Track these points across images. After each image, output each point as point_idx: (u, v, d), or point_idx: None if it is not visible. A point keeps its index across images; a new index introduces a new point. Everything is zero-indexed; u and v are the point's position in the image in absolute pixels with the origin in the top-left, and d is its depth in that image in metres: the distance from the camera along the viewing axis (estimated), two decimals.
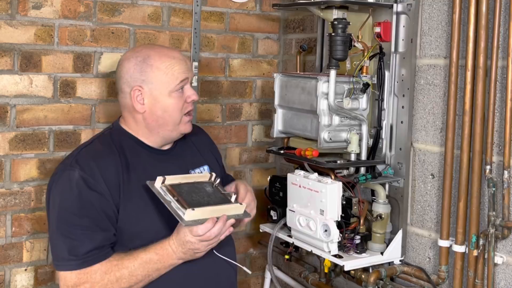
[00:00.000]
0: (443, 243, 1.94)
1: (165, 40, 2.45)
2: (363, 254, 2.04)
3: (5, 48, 2.14)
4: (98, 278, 1.64)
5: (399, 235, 2.08)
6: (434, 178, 2.04)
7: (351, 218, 2.05)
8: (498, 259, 1.82)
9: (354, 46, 2.02)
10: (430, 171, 2.05)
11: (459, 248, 1.90)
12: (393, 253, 2.07)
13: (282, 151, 2.20)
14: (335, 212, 1.97)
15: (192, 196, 1.67)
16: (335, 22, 1.97)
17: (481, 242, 1.83)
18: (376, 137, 2.09)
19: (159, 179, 1.67)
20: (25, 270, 2.24)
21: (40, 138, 2.23)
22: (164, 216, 1.70)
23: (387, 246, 2.07)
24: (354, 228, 2.05)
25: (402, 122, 2.09)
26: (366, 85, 2.04)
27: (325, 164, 2.01)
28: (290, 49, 2.74)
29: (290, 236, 2.17)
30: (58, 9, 2.23)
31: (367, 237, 2.08)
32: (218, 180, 1.78)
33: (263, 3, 2.70)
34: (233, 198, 1.73)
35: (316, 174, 2.04)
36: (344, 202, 2.03)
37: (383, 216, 2.05)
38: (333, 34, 1.97)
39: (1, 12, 2.12)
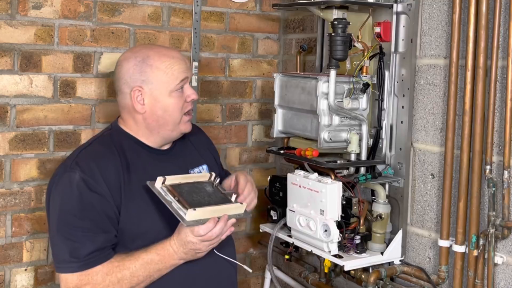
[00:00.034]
0: (443, 243, 1.94)
1: (165, 40, 2.45)
2: (363, 254, 2.04)
3: (5, 48, 2.14)
4: (100, 279, 1.63)
5: (399, 235, 2.08)
6: (434, 178, 2.04)
7: (351, 218, 2.05)
8: (498, 259, 1.82)
9: (354, 46, 2.02)
10: (430, 171, 2.05)
11: (459, 248, 1.90)
12: (393, 253, 2.07)
13: (282, 151, 2.20)
14: (335, 212, 1.97)
15: (193, 196, 1.67)
16: (335, 22, 1.97)
17: (481, 242, 1.83)
18: (376, 137, 2.09)
19: (159, 180, 1.67)
20: (25, 270, 2.24)
21: (40, 138, 2.23)
22: (165, 216, 1.70)
23: (387, 246, 2.07)
24: (354, 228, 2.05)
25: (402, 122, 2.09)
26: (366, 85, 2.04)
27: (325, 164, 2.01)
28: (290, 49, 2.74)
29: (290, 236, 2.17)
30: (58, 9, 2.23)
31: (367, 237, 2.08)
32: (218, 180, 1.78)
33: (263, 3, 2.70)
34: (233, 198, 1.73)
35: (316, 174, 2.04)
36: (344, 202, 2.03)
37: (383, 216, 2.05)
38: (333, 34, 1.97)
39: (1, 12, 2.12)
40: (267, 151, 2.28)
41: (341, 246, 2.02)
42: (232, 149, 2.69)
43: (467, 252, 1.89)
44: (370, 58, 2.09)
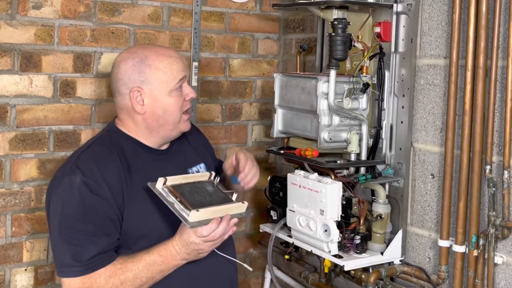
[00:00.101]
0: (443, 243, 1.94)
1: (165, 40, 2.45)
2: (363, 254, 2.04)
3: (5, 48, 2.14)
4: (103, 282, 1.63)
5: (399, 235, 2.08)
6: (434, 178, 2.04)
7: (351, 218, 2.05)
8: (498, 259, 1.82)
9: (354, 46, 2.02)
10: (430, 171, 2.05)
11: (459, 248, 1.90)
12: (393, 253, 2.07)
13: (282, 151, 2.20)
14: (335, 212, 1.97)
15: (194, 196, 1.67)
16: (335, 22, 1.97)
17: (481, 242, 1.83)
18: (376, 137, 2.09)
19: (160, 180, 1.66)
20: (25, 270, 2.24)
21: (40, 138, 2.23)
22: (166, 216, 1.70)
23: (387, 246, 2.07)
24: (354, 228, 2.05)
25: (402, 122, 2.09)
26: (366, 85, 2.04)
27: (325, 164, 2.01)
28: (290, 49, 2.74)
29: (290, 236, 2.17)
30: (58, 9, 2.23)
31: (367, 237, 2.08)
32: (218, 179, 1.78)
33: (263, 3, 2.70)
34: (234, 197, 1.73)
35: (316, 174, 2.04)
36: (344, 202, 2.03)
37: (383, 216, 2.05)
38: (333, 34, 1.97)
39: (1, 12, 2.12)
40: (267, 151, 2.28)
41: (341, 246, 2.02)
42: (232, 149, 2.69)
43: (467, 252, 1.89)
44: (370, 58, 2.09)
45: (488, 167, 1.82)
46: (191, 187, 1.70)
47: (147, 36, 2.41)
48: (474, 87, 1.85)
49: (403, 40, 2.07)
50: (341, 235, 1.98)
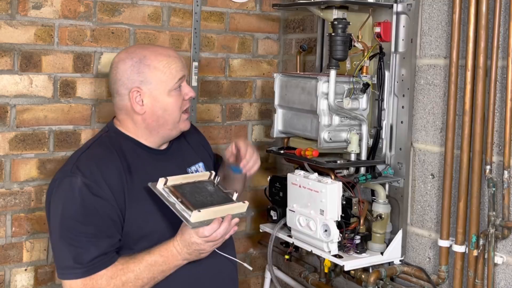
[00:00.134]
0: (443, 243, 1.94)
1: (165, 40, 2.45)
2: (363, 254, 2.04)
3: (5, 48, 2.14)
4: (104, 283, 1.62)
5: (399, 235, 2.08)
6: (434, 178, 2.04)
7: (351, 218, 2.05)
8: (498, 259, 1.82)
9: (354, 46, 2.02)
10: (430, 171, 2.05)
11: (459, 248, 1.90)
12: (393, 253, 2.07)
13: (282, 151, 2.20)
14: (335, 212, 1.97)
15: (195, 196, 1.67)
16: (335, 22, 1.97)
17: (481, 242, 1.83)
18: (376, 137, 2.09)
19: (161, 181, 1.66)
20: (25, 270, 2.24)
21: (40, 138, 2.23)
22: (167, 216, 1.70)
23: (387, 246, 2.07)
24: (354, 228, 2.05)
25: (402, 122, 2.09)
26: (366, 85, 2.04)
27: (325, 164, 2.01)
28: (290, 49, 2.74)
29: (290, 236, 2.17)
30: (58, 9, 2.23)
31: (367, 237, 2.08)
32: (218, 178, 1.78)
33: (263, 3, 2.70)
34: (234, 196, 1.73)
35: (316, 174, 2.04)
36: (344, 202, 2.03)
37: (383, 216, 2.05)
38: (333, 34, 1.97)
39: (1, 12, 2.12)
40: (267, 151, 2.28)
41: (341, 246, 2.02)
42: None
43: (467, 252, 1.89)
44: (370, 58, 2.09)
45: (488, 167, 1.82)
46: (191, 187, 1.70)
47: (147, 36, 2.41)
48: (474, 87, 1.85)
49: (403, 40, 2.07)
50: (341, 235, 1.98)
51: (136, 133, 1.80)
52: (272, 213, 2.29)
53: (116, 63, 1.78)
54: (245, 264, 1.83)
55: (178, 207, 1.62)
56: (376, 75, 2.09)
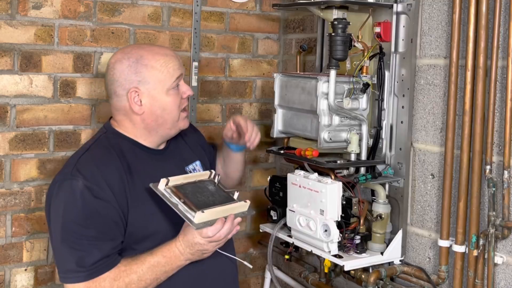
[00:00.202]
0: (443, 243, 1.94)
1: (165, 40, 2.45)
2: (363, 254, 2.04)
3: (5, 48, 2.14)
4: (108, 285, 1.61)
5: (399, 235, 2.08)
6: (434, 178, 2.04)
7: (351, 218, 2.05)
8: (498, 259, 1.82)
9: (354, 46, 2.02)
10: (430, 171, 2.05)
11: (459, 248, 1.90)
12: (393, 253, 2.07)
13: (282, 151, 2.20)
14: (335, 212, 1.97)
15: (197, 196, 1.67)
16: (335, 22, 1.97)
17: (481, 242, 1.83)
18: (376, 137, 2.09)
19: (162, 181, 1.65)
20: (25, 270, 2.24)
21: (40, 138, 2.23)
22: (169, 216, 1.70)
23: (387, 246, 2.07)
24: (354, 228, 2.05)
25: (402, 122, 2.09)
26: (366, 85, 2.04)
27: (325, 164, 2.01)
28: (290, 49, 2.74)
29: (290, 236, 2.17)
30: (58, 9, 2.23)
31: (367, 237, 2.08)
32: (219, 177, 1.78)
33: (263, 3, 2.70)
34: (235, 196, 1.73)
35: (316, 174, 2.04)
36: (344, 202, 2.03)
37: (383, 216, 2.05)
38: (333, 34, 1.97)
39: (1, 12, 2.13)
40: (267, 151, 2.28)
41: (341, 246, 2.02)
42: None
43: (467, 252, 1.89)
44: (370, 58, 2.09)
45: (488, 167, 1.82)
46: (193, 187, 1.70)
47: (147, 36, 2.41)
48: (474, 87, 1.85)
49: (403, 40, 2.07)
50: (341, 235, 1.98)
51: (135, 134, 1.79)
52: (272, 213, 2.29)
53: (113, 63, 1.77)
54: (245, 263, 1.84)
55: (181, 207, 1.62)
56: (376, 75, 2.09)
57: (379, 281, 2.05)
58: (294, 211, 2.10)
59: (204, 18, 2.55)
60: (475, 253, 1.84)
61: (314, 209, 2.00)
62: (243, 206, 1.71)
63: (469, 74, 1.85)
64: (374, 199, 2.10)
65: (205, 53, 2.57)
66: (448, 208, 1.93)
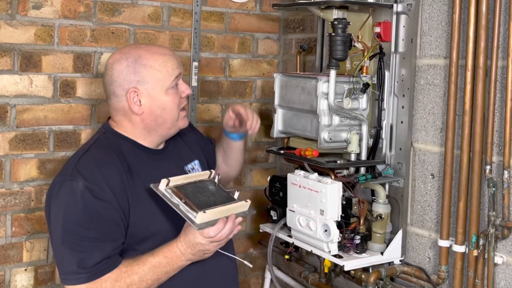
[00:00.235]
0: (443, 243, 1.94)
1: (165, 40, 2.45)
2: (363, 254, 2.04)
3: (5, 48, 2.14)
4: (109, 286, 1.61)
5: (399, 235, 2.08)
6: (434, 178, 2.04)
7: (351, 218, 2.05)
8: (498, 259, 1.82)
9: (354, 46, 2.02)
10: (430, 171, 2.05)
11: (459, 248, 1.90)
12: (393, 253, 2.07)
13: (282, 151, 2.20)
14: (335, 212, 1.97)
15: (198, 196, 1.67)
16: (335, 22, 1.97)
17: (481, 242, 1.83)
18: (376, 137, 2.09)
19: (163, 182, 1.65)
20: (25, 270, 2.24)
21: (40, 138, 2.23)
22: (171, 216, 1.69)
23: (387, 246, 2.07)
24: (354, 228, 2.05)
25: (402, 122, 2.09)
26: (366, 85, 2.04)
27: (325, 164, 2.01)
28: (290, 49, 2.74)
29: (290, 236, 2.17)
30: (58, 9, 2.23)
31: (367, 237, 2.08)
32: (218, 177, 1.78)
33: (263, 3, 2.70)
34: (236, 195, 1.73)
35: (316, 174, 2.04)
36: (344, 202, 2.03)
37: (383, 216, 2.05)
38: (333, 34, 1.97)
39: (1, 12, 2.12)
40: (267, 151, 2.28)
41: (341, 246, 2.02)
42: None
43: (467, 252, 1.89)
44: (370, 58, 2.09)
45: (488, 167, 1.82)
46: (193, 187, 1.70)
47: (147, 36, 2.41)
48: (474, 87, 1.85)
49: (403, 40, 2.07)
50: (341, 235, 1.98)
51: (134, 134, 1.78)
52: (272, 213, 2.29)
53: (111, 64, 1.76)
54: (246, 262, 1.84)
55: (182, 208, 1.61)
56: (376, 75, 2.09)
57: (379, 281, 2.05)
58: (294, 211, 2.10)
59: (204, 18, 2.55)
60: (475, 253, 1.84)
61: (314, 209, 2.00)
62: (244, 205, 1.71)
63: (469, 74, 1.85)
64: (374, 199, 2.11)
65: (205, 53, 2.57)
66: (448, 208, 1.93)
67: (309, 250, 2.08)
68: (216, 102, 2.62)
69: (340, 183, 1.99)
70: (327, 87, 1.98)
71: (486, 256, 1.84)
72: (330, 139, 2.00)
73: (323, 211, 1.97)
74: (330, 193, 1.95)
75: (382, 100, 2.09)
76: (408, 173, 2.09)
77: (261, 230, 2.35)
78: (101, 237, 1.61)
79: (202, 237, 1.61)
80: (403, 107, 2.08)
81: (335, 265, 2.19)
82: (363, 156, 2.04)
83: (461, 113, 1.90)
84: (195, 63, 2.53)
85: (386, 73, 2.09)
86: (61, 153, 2.27)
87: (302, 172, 2.08)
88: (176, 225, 1.69)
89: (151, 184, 1.66)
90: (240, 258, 1.87)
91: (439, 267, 1.97)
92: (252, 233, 2.75)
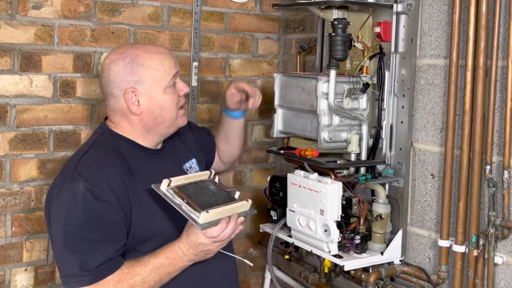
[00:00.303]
0: (443, 243, 1.94)
1: (165, 40, 2.45)
2: (363, 254, 2.04)
3: (5, 48, 2.14)
4: None
5: (399, 235, 2.08)
6: (434, 178, 2.04)
7: (351, 218, 2.05)
8: (498, 259, 1.82)
9: (354, 46, 2.02)
10: (430, 171, 2.05)
11: (459, 248, 1.90)
12: (393, 253, 2.07)
13: (282, 151, 2.20)
14: (335, 212, 1.97)
15: (200, 196, 1.67)
16: (335, 22, 1.97)
17: (481, 242, 1.83)
18: (376, 137, 2.09)
19: (165, 182, 1.65)
20: (25, 270, 2.24)
21: (40, 138, 2.23)
22: (172, 216, 1.69)
23: (387, 246, 2.07)
24: (354, 228, 2.05)
25: (402, 122, 2.09)
26: (366, 85, 2.04)
27: (325, 164, 2.01)
28: (290, 49, 2.74)
29: (290, 236, 2.17)
30: (58, 9, 2.23)
31: (367, 237, 2.08)
32: (218, 177, 1.78)
33: (263, 3, 2.70)
34: (237, 195, 1.73)
35: (316, 174, 2.04)
36: (344, 202, 2.03)
37: (383, 216, 2.05)
38: (333, 34, 1.97)
39: (1, 12, 2.13)
40: (267, 151, 2.28)
41: (341, 246, 2.02)
42: None
43: (467, 252, 1.89)
44: (370, 58, 2.09)
45: (488, 167, 1.82)
46: (194, 187, 1.70)
47: (147, 36, 2.41)
48: (474, 87, 1.85)
49: (403, 40, 2.07)
50: (341, 235, 1.98)
51: (133, 134, 1.77)
52: (272, 213, 2.29)
53: (108, 65, 1.75)
54: (246, 261, 1.84)
55: (185, 208, 1.61)
56: (376, 75, 2.09)
57: (379, 281, 2.05)
58: (294, 211, 2.10)
59: (204, 18, 2.55)
60: (475, 253, 1.84)
61: (314, 209, 2.00)
62: (245, 205, 1.72)
63: (469, 74, 1.85)
64: (374, 199, 2.11)
65: (205, 53, 2.57)
66: (448, 208, 1.93)
67: (309, 250, 2.08)
68: (216, 102, 2.62)
69: (340, 183, 1.99)
70: (327, 87, 1.98)
71: (486, 256, 1.84)
72: (330, 139, 2.00)
73: (323, 211, 1.97)
74: (330, 193, 1.95)
75: (382, 100, 2.09)
76: (408, 173, 2.09)
77: (261, 230, 2.35)
78: (103, 239, 1.60)
79: (204, 237, 1.61)
80: (403, 107, 2.08)
81: (335, 265, 2.19)
82: (363, 156, 2.04)
83: (461, 113, 1.90)
84: (195, 63, 2.53)
85: (386, 73, 2.09)
86: (61, 153, 2.27)
87: (302, 172, 2.08)
88: (177, 225, 1.69)
89: (152, 184, 1.66)
90: (240, 258, 1.88)
91: (439, 267, 1.97)
92: (252, 233, 2.75)
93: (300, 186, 2.06)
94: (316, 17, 2.49)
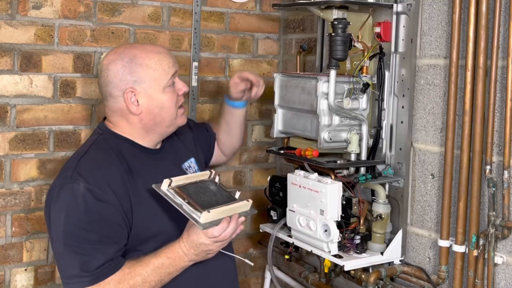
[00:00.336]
0: (443, 243, 1.94)
1: (165, 40, 2.45)
2: (363, 254, 2.04)
3: (5, 48, 2.14)
4: None
5: (399, 235, 2.08)
6: (434, 178, 2.04)
7: (351, 218, 2.05)
8: (498, 259, 1.82)
9: (354, 46, 2.02)
10: (430, 171, 2.05)
11: (459, 248, 1.90)
12: (393, 253, 2.07)
13: (282, 151, 2.20)
14: (335, 212, 1.97)
15: (200, 196, 1.67)
16: (335, 22, 1.97)
17: (481, 242, 1.83)
18: (376, 137, 2.09)
19: (165, 182, 1.65)
20: (25, 270, 2.24)
21: (40, 138, 2.23)
22: (173, 216, 1.69)
23: (387, 246, 2.07)
24: (354, 228, 2.05)
25: (402, 122, 2.09)
26: (366, 85, 2.04)
27: (325, 164, 2.01)
28: (290, 49, 2.74)
29: (290, 236, 2.17)
30: (58, 9, 2.23)
31: (367, 237, 2.08)
32: (219, 177, 1.78)
33: (263, 3, 2.70)
34: (237, 195, 1.73)
35: (316, 174, 2.04)
36: (344, 202, 2.03)
37: (383, 216, 2.05)
38: (333, 34, 1.97)
39: (1, 12, 2.13)
40: (267, 151, 2.28)
41: (341, 246, 2.02)
42: None
43: (467, 252, 1.89)
44: (370, 58, 2.09)
45: (488, 167, 1.82)
46: (195, 187, 1.70)
47: (147, 36, 2.41)
48: (474, 87, 1.85)
49: (403, 40, 2.07)
50: (341, 235, 1.98)
51: (132, 134, 1.77)
52: (272, 213, 2.29)
53: (106, 65, 1.74)
54: (246, 260, 1.84)
55: (186, 208, 1.62)
56: (376, 75, 2.09)
57: (379, 281, 2.05)
58: (294, 211, 2.10)
59: (204, 18, 2.55)
60: (475, 253, 1.84)
61: (314, 209, 2.00)
62: (246, 205, 1.72)
63: (469, 74, 1.85)
64: (374, 199, 2.11)
65: (205, 53, 2.57)
66: (448, 208, 1.93)
67: (309, 250, 2.08)
68: (216, 102, 2.62)
69: (340, 183, 1.99)
70: (327, 87, 1.98)
71: (486, 256, 1.84)
72: (330, 139, 2.00)
73: (323, 211, 1.97)
74: (330, 193, 1.95)
75: (382, 100, 2.09)
76: (408, 173, 2.09)
77: (261, 230, 2.35)
78: (104, 239, 1.60)
79: (206, 237, 1.61)
80: (403, 107, 2.08)
81: (335, 265, 2.19)
82: (363, 156, 2.04)
83: (461, 113, 1.90)
84: (195, 63, 2.53)
85: (386, 73, 2.09)
86: (61, 153, 2.27)
87: (302, 172, 2.08)
88: (178, 225, 1.69)
89: (153, 184, 1.65)
90: (241, 257, 1.88)
91: (439, 267, 1.97)
92: (252, 233, 2.75)
93: (300, 186, 2.06)
94: (316, 17, 2.49)
